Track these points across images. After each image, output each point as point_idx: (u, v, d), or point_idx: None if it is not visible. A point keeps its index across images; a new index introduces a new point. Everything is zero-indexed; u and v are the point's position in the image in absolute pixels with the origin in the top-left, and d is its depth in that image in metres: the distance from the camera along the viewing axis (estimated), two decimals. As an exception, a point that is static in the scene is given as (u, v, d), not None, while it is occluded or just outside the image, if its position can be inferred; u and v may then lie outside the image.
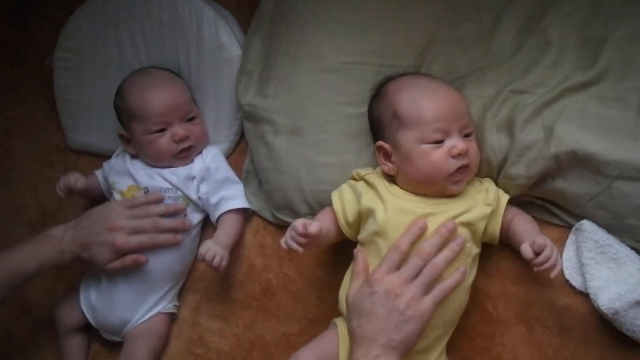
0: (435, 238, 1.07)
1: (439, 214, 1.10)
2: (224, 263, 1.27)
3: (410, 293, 1.02)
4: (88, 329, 1.43)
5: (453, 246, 1.07)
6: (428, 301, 1.03)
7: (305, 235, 1.12)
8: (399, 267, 1.05)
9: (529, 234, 1.11)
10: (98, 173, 1.48)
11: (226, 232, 1.35)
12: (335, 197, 1.20)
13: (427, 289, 1.04)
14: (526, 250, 1.06)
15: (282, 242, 1.15)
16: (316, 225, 1.12)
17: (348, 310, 1.08)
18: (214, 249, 1.27)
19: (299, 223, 1.12)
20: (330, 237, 1.20)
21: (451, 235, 1.08)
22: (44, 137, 1.63)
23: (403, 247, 1.06)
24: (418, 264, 1.05)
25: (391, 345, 1.00)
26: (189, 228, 1.36)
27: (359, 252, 1.12)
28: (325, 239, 1.19)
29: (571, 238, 1.18)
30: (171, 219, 1.34)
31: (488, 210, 1.12)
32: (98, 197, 1.49)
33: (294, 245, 1.13)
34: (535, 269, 1.07)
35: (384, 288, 1.03)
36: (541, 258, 1.05)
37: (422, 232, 1.08)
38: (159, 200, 1.36)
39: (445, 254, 1.06)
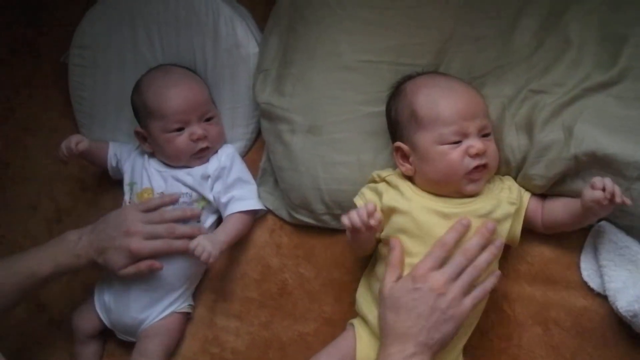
0: (477, 238, 1.07)
1: (465, 213, 1.10)
2: (210, 260, 1.25)
3: (453, 293, 1.03)
4: (104, 334, 1.44)
5: (493, 249, 1.08)
6: (468, 302, 1.04)
7: (371, 215, 1.07)
8: (442, 264, 1.05)
9: (571, 200, 1.11)
10: (111, 146, 1.48)
11: (224, 229, 1.34)
12: (359, 202, 1.18)
13: (468, 289, 1.04)
14: (594, 193, 1.03)
15: (346, 218, 1.09)
16: (380, 216, 1.10)
17: (383, 302, 1.07)
18: (203, 244, 1.25)
19: (372, 205, 1.08)
20: (369, 245, 1.18)
21: (491, 235, 1.08)
22: (58, 134, 1.61)
23: (449, 244, 1.06)
24: (463, 263, 1.05)
25: (428, 344, 1.01)
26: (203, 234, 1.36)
27: (397, 242, 1.11)
28: (367, 242, 1.16)
29: (589, 239, 1.18)
30: (186, 225, 1.34)
31: (512, 209, 1.12)
32: (101, 166, 1.49)
33: (357, 222, 1.07)
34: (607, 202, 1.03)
35: (429, 285, 1.03)
36: (609, 190, 1.02)
37: (467, 229, 1.08)
38: (174, 202, 1.36)
39: (486, 255, 1.07)
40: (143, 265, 1.30)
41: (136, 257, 1.30)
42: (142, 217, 1.32)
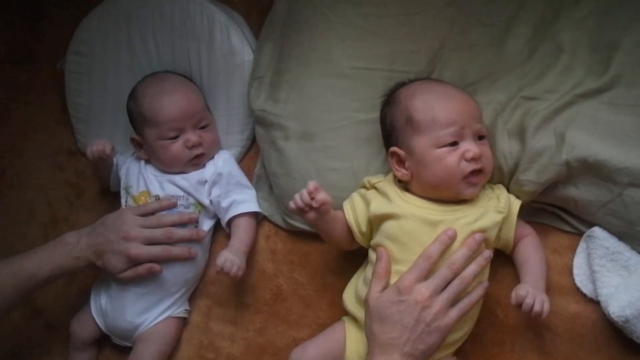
0: (464, 250, 1.07)
1: (451, 221, 1.10)
2: (240, 273, 1.27)
3: (438, 306, 1.03)
4: (100, 341, 1.44)
5: (480, 260, 1.08)
6: (453, 314, 1.04)
7: (312, 195, 1.12)
8: (428, 276, 1.06)
9: (527, 271, 1.15)
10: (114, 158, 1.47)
11: (240, 239, 1.35)
12: (347, 207, 1.20)
13: (454, 301, 1.05)
14: (516, 297, 1.08)
15: (291, 202, 1.15)
16: (325, 195, 1.13)
17: (368, 312, 1.08)
18: (231, 258, 1.26)
19: (312, 183, 1.12)
20: (335, 229, 1.20)
21: (479, 247, 1.08)
22: (55, 140, 1.63)
23: (434, 256, 1.06)
24: (448, 275, 1.05)
25: (414, 354, 1.01)
26: (202, 238, 1.37)
27: (384, 252, 1.12)
28: (330, 225, 1.19)
29: (582, 245, 1.18)
30: (184, 229, 1.34)
31: (499, 217, 1.12)
32: (105, 177, 1.48)
33: (299, 202, 1.13)
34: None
35: (413, 298, 1.03)
36: (524, 308, 1.07)
37: (452, 241, 1.08)
38: (172, 206, 1.36)
39: (473, 267, 1.07)
40: (142, 269, 1.30)
41: (134, 263, 1.30)
42: (140, 221, 1.32)
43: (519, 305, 1.07)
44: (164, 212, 1.36)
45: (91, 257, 1.30)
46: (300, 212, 1.15)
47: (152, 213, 1.35)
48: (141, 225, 1.31)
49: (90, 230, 1.33)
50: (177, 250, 1.33)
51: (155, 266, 1.31)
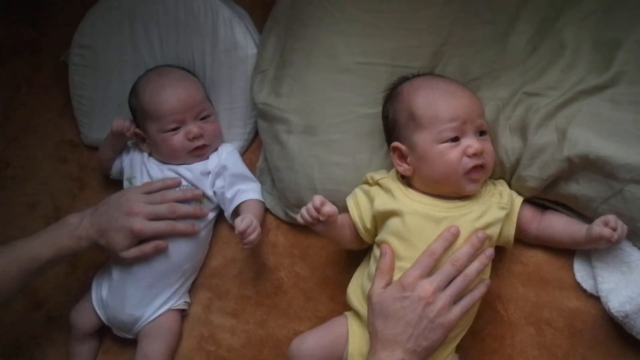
0: (467, 247, 1.07)
1: (456, 217, 1.11)
2: (256, 242, 1.26)
3: (441, 302, 1.03)
4: (100, 331, 1.44)
5: (483, 258, 1.08)
6: (456, 311, 1.04)
7: (318, 210, 1.11)
8: (431, 272, 1.06)
9: (575, 222, 1.15)
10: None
11: (253, 212, 1.34)
12: (351, 204, 1.20)
13: (457, 298, 1.05)
14: (604, 230, 1.07)
15: (298, 216, 1.15)
16: (331, 207, 1.12)
17: (371, 308, 1.07)
18: (255, 223, 1.26)
19: (317, 198, 1.12)
20: (344, 235, 1.20)
21: (482, 245, 1.09)
22: (58, 132, 1.64)
23: (438, 252, 1.06)
24: (451, 272, 1.05)
25: (416, 351, 1.01)
26: (205, 214, 1.37)
27: (387, 248, 1.12)
28: (338, 233, 1.19)
29: (583, 241, 1.18)
30: (188, 205, 1.35)
31: (502, 214, 1.12)
32: (111, 158, 1.50)
33: (307, 217, 1.13)
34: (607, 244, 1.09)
35: (417, 294, 1.03)
36: (619, 233, 1.07)
37: (456, 238, 1.08)
38: (176, 185, 1.36)
39: (476, 265, 1.07)
40: (147, 247, 1.30)
41: (138, 238, 1.30)
42: (143, 198, 1.32)
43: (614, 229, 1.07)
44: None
45: (94, 236, 1.29)
46: (309, 225, 1.15)
47: (156, 192, 1.35)
48: (145, 202, 1.31)
49: (94, 210, 1.33)
50: (181, 225, 1.32)
51: (161, 243, 1.31)
